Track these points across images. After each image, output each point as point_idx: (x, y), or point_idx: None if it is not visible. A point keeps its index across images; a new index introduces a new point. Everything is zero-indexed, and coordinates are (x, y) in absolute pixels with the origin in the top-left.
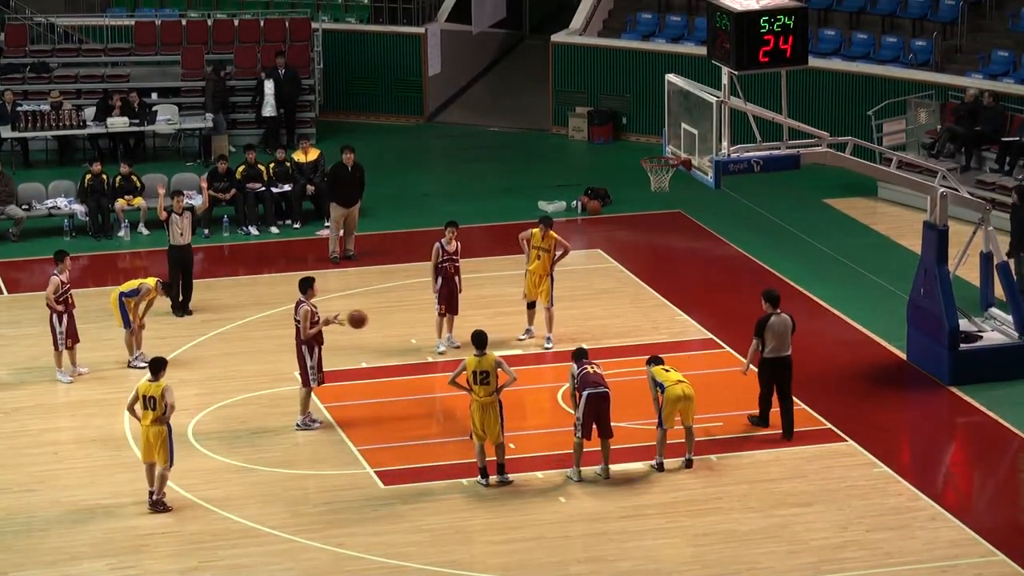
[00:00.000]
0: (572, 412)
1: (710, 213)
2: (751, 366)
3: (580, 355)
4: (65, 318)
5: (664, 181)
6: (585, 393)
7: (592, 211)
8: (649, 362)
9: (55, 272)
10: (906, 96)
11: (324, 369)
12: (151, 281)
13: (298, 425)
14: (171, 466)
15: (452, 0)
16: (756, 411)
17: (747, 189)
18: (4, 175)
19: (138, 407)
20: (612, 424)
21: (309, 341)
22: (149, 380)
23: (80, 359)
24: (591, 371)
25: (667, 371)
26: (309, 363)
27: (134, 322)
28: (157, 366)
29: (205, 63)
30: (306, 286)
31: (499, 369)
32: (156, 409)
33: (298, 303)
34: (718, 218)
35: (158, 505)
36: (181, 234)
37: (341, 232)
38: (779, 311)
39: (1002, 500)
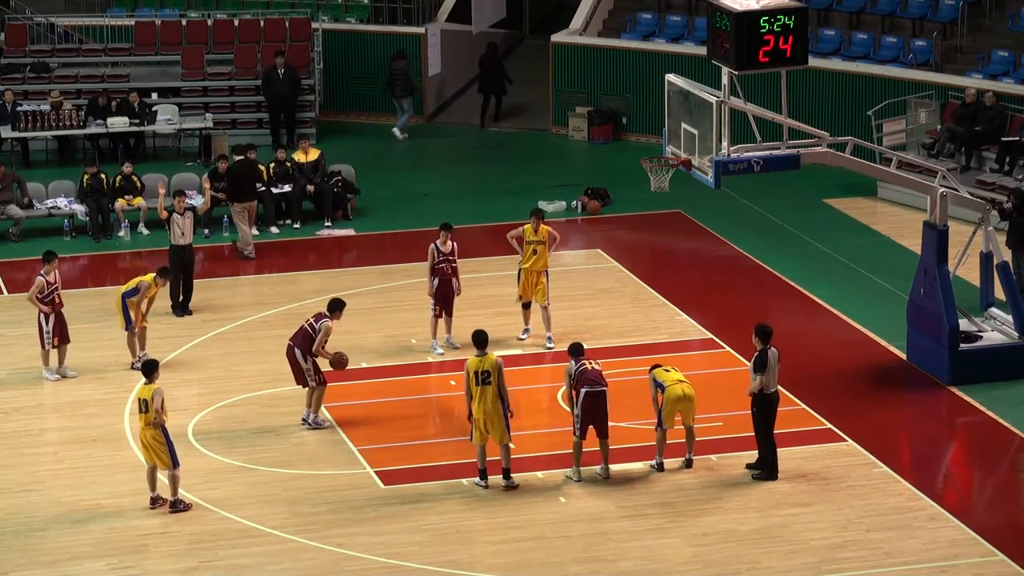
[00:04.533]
0: (570, 411)
1: (710, 213)
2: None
3: (576, 351)
4: (52, 318)
5: (664, 181)
6: (583, 391)
7: (592, 211)
8: (651, 369)
9: (41, 272)
10: (906, 96)
11: (323, 370)
12: (148, 277)
13: (305, 420)
14: (177, 467)
15: (452, 0)
16: (755, 462)
17: (747, 189)
18: (13, 174)
19: (134, 410)
20: (612, 424)
21: (306, 346)
22: (144, 383)
23: (81, 359)
24: (589, 368)
25: (667, 371)
26: (304, 366)
27: (135, 322)
28: (149, 369)
29: (398, 55)
30: (335, 307)
31: (498, 371)
32: (148, 412)
33: (321, 316)
34: (718, 218)
35: (177, 505)
36: (182, 234)
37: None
38: (772, 347)
39: (1002, 500)
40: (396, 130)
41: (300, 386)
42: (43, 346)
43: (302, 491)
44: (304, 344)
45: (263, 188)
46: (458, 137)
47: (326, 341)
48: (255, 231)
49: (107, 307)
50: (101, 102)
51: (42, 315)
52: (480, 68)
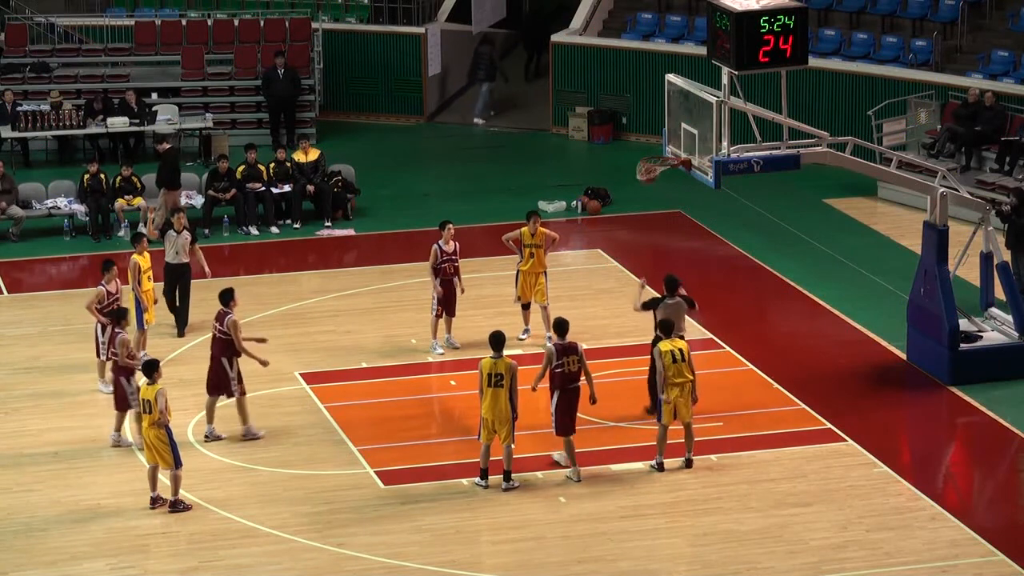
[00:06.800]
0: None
1: (710, 213)
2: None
3: (561, 330)
4: (108, 329)
5: (655, 172)
6: (557, 392)
7: (592, 211)
8: (658, 332)
9: (103, 282)
10: (906, 96)
11: (319, 369)
12: (133, 258)
13: (208, 436)
14: (180, 467)
15: (452, 0)
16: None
17: (747, 189)
18: (7, 175)
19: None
20: (613, 424)
21: (229, 353)
22: (146, 383)
23: (81, 359)
24: (567, 370)
25: (675, 361)
26: (231, 374)
27: (147, 304)
28: (150, 368)
29: (484, 38)
30: (228, 297)
31: (512, 374)
32: (152, 412)
33: (222, 314)
34: (718, 218)
35: (177, 505)
36: (176, 253)
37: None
38: (676, 297)
39: (1002, 500)
40: (478, 118)
41: (224, 396)
42: (98, 355)
43: (302, 491)
44: (224, 351)
45: (262, 188)
46: (458, 137)
47: (240, 334)
48: (255, 231)
49: None
50: (96, 106)
51: (98, 325)
52: (524, 29)
